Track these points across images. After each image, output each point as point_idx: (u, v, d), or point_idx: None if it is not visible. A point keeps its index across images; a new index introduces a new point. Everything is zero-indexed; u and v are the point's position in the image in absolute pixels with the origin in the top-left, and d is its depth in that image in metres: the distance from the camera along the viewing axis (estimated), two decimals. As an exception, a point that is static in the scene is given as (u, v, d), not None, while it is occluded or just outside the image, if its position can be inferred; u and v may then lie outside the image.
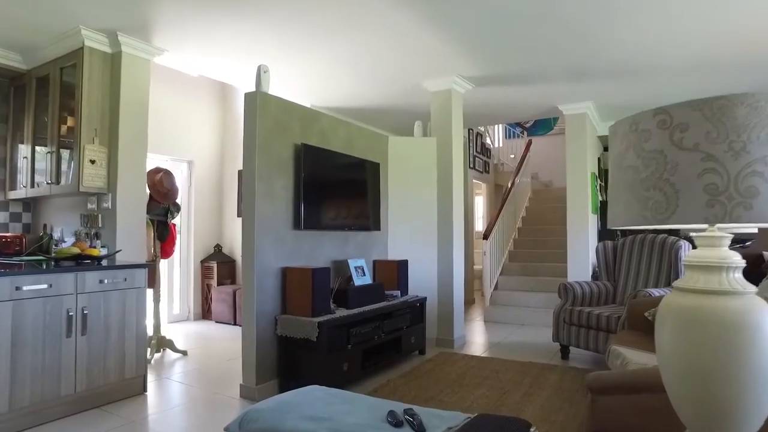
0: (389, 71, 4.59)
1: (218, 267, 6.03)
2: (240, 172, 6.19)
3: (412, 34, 3.70)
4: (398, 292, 4.25)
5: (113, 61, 3.66)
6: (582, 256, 5.66)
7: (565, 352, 4.28)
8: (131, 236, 3.67)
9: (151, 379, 3.51)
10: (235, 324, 5.64)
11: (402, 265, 4.36)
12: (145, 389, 3.20)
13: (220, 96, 6.37)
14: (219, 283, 6.00)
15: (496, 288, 6.60)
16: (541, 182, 9.62)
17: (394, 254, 4.73)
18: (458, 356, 4.31)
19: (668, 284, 4.04)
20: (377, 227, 4.46)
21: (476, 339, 5.12)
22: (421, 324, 4.35)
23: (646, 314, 3.33)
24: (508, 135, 10.01)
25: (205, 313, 6.07)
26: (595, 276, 5.83)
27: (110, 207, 3.60)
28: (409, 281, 4.69)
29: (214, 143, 6.28)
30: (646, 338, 3.16)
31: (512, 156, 9.89)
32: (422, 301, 4.38)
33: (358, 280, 3.90)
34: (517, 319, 6.03)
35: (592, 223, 6.06)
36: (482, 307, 7.06)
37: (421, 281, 4.76)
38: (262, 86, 3.32)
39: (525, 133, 9.35)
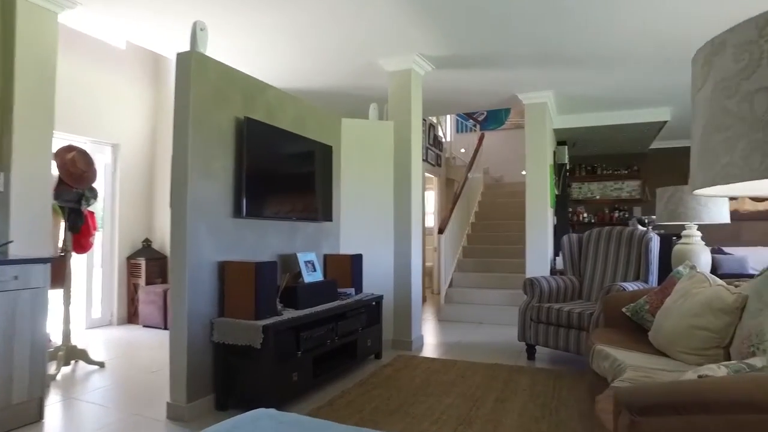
0: (342, 46, 4.14)
1: (147, 264, 5.35)
2: (172, 158, 5.52)
3: (371, 1, 3.28)
4: (352, 290, 3.82)
5: (4, 8, 2.98)
6: (541, 250, 5.46)
7: (531, 352, 4.01)
8: (31, 225, 3.01)
9: (54, 401, 2.88)
10: (165, 328, 5.00)
11: (356, 260, 3.93)
12: (41, 416, 2.56)
13: (153, 74, 5.67)
14: (148, 283, 5.32)
15: (450, 285, 6.30)
16: (492, 177, 9.48)
17: (346, 248, 4.29)
18: (418, 359, 3.94)
19: (638, 278, 3.85)
20: (329, 218, 4.00)
21: (434, 339, 4.77)
22: (377, 325, 3.94)
23: (623, 310, 3.09)
24: (459, 129, 9.80)
25: (131, 316, 5.36)
26: (553, 271, 5.65)
27: (2, 189, 2.93)
28: (363, 277, 4.27)
29: (145, 126, 5.57)
30: (627, 336, 2.91)
31: (463, 150, 9.69)
32: (379, 300, 3.97)
33: (308, 277, 3.43)
34: (473, 317, 5.75)
35: (550, 217, 5.88)
36: (435, 306, 6.76)
37: (376, 277, 4.34)
38: (198, 46, 2.78)
39: (478, 126, 9.16)
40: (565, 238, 4.38)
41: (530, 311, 3.94)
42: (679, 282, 2.82)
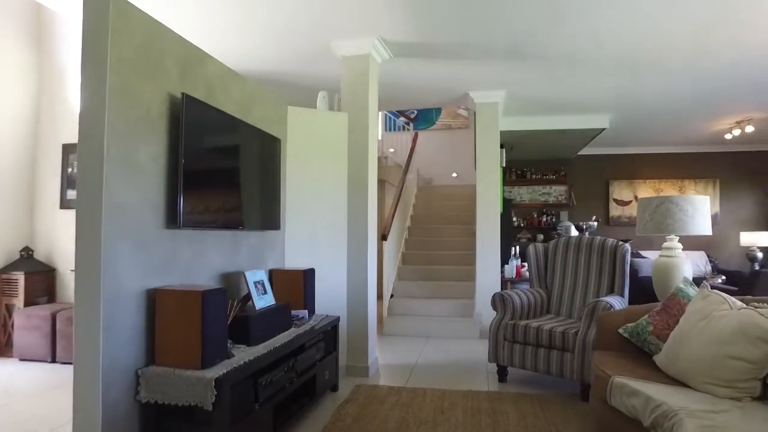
0: (289, 24, 3.49)
1: (27, 280, 4.25)
2: (65, 147, 4.46)
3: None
4: (305, 312, 3.18)
5: None
6: (493, 259, 5.15)
7: (502, 374, 3.62)
8: None
9: None
10: (53, 361, 3.97)
11: (309, 276, 3.29)
12: None
13: (33, 36, 4.53)
14: (28, 303, 4.23)
15: (392, 295, 5.81)
16: (423, 179, 9.17)
17: (291, 261, 3.62)
18: (381, 390, 3.39)
19: (612, 291, 3.63)
20: (275, 225, 3.32)
21: (388, 360, 4.25)
22: (334, 353, 3.34)
23: (620, 331, 2.80)
24: (388, 127, 9.38)
25: (2, 347, 4.23)
26: (503, 281, 5.39)
27: None
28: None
29: (21, 104, 4.43)
30: (629, 360, 2.61)
31: (392, 150, 9.27)
32: (336, 323, 3.37)
33: (260, 301, 2.74)
34: (420, 331, 5.30)
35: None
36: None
37: (327, 295, 3.72)
38: (118, -10, 2.01)
39: (411, 125, 8.80)
40: (531, 248, 4.08)
41: (503, 330, 3.55)
42: (691, 303, 2.56)
